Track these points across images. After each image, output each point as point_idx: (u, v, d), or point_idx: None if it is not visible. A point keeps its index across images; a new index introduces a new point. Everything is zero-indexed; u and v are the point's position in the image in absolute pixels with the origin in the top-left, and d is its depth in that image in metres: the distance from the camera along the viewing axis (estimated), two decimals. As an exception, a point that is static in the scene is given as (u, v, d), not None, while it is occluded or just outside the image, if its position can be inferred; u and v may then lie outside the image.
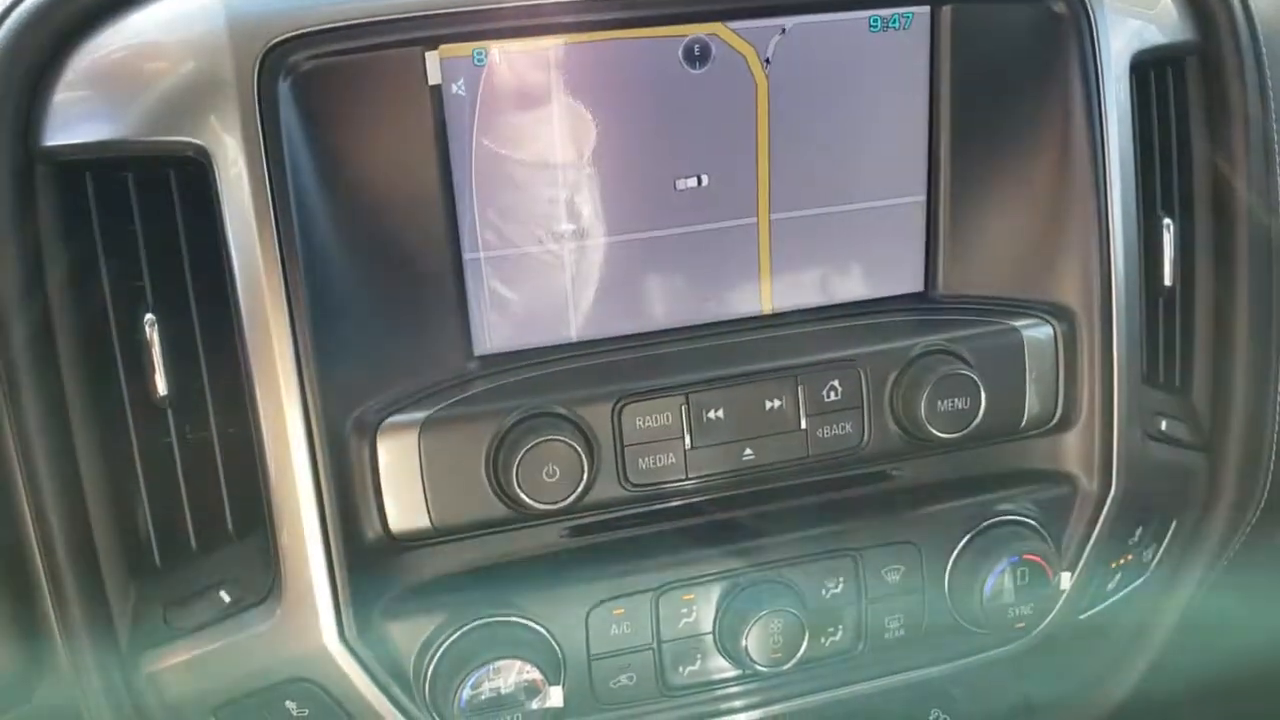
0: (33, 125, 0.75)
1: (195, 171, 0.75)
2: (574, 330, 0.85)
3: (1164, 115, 0.96)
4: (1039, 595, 0.89)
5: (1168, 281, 0.95)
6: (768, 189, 0.86)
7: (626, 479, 0.82)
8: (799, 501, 0.88)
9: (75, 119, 0.76)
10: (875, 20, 0.84)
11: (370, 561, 0.79)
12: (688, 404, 0.83)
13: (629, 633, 0.84)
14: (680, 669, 0.86)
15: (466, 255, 0.81)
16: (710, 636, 0.86)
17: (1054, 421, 0.90)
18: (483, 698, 0.78)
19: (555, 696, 0.79)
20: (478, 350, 0.83)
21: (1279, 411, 0.98)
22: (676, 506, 0.86)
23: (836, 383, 0.85)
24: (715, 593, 0.85)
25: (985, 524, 0.89)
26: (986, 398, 0.85)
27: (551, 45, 0.79)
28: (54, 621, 0.80)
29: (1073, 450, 0.92)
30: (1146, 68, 0.93)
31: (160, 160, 0.76)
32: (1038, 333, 0.89)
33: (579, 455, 0.78)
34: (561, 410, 0.81)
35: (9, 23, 0.75)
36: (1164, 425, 0.96)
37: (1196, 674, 1.06)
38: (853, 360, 0.85)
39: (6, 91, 0.74)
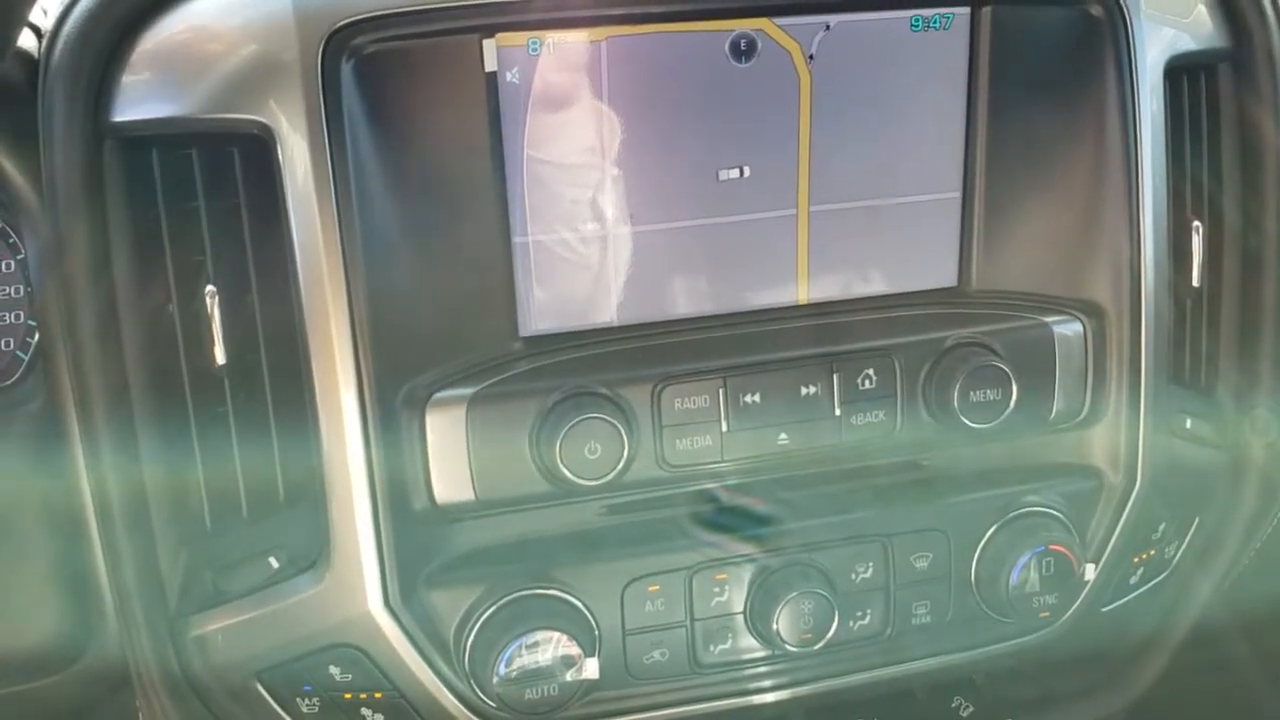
0: (103, 102, 0.78)
1: (258, 149, 0.77)
2: (615, 314, 0.87)
3: (1196, 120, 0.97)
4: (1063, 586, 0.90)
5: (1196, 283, 0.97)
6: (808, 182, 0.88)
7: (664, 459, 0.85)
8: (831, 487, 0.90)
9: (144, 97, 0.78)
10: (917, 20, 0.86)
11: (416, 531, 0.81)
12: (725, 388, 0.85)
13: (663, 609, 0.86)
14: (711, 647, 0.88)
15: (515, 239, 0.84)
16: (741, 616, 0.88)
17: (1082, 416, 0.92)
18: (520, 668, 0.80)
19: (591, 668, 0.82)
20: (523, 331, 0.85)
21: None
22: (712, 488, 0.88)
23: (871, 371, 0.87)
24: (748, 573, 0.87)
25: (1012, 514, 0.91)
26: (1017, 390, 0.87)
27: (602, 36, 0.81)
28: (106, 583, 0.83)
29: (1099, 445, 0.93)
30: (1180, 73, 0.95)
31: (224, 137, 0.79)
32: (1068, 329, 0.91)
33: (620, 433, 0.81)
34: (603, 390, 0.83)
35: (82, 4, 0.77)
36: (1189, 424, 0.98)
37: (1216, 670, 1.07)
38: (888, 350, 0.87)
39: (78, 70, 0.77)
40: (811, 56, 0.85)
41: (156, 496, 0.82)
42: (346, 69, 0.76)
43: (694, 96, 0.84)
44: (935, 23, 0.87)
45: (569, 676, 0.81)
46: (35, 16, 0.80)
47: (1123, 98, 0.88)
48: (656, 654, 0.87)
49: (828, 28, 0.85)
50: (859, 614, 0.89)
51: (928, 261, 0.92)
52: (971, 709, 1.00)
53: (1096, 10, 0.88)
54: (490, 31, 0.79)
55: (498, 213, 0.82)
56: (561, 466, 0.80)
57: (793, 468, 0.88)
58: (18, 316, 0.85)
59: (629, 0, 0.80)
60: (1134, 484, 0.93)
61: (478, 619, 0.82)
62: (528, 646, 0.80)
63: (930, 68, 0.88)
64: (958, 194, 0.91)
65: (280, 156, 0.76)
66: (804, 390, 0.86)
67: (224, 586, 0.83)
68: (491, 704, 0.82)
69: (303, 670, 0.83)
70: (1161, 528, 0.98)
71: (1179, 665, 1.06)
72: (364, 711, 0.84)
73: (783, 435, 0.86)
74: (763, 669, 0.90)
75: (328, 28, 0.75)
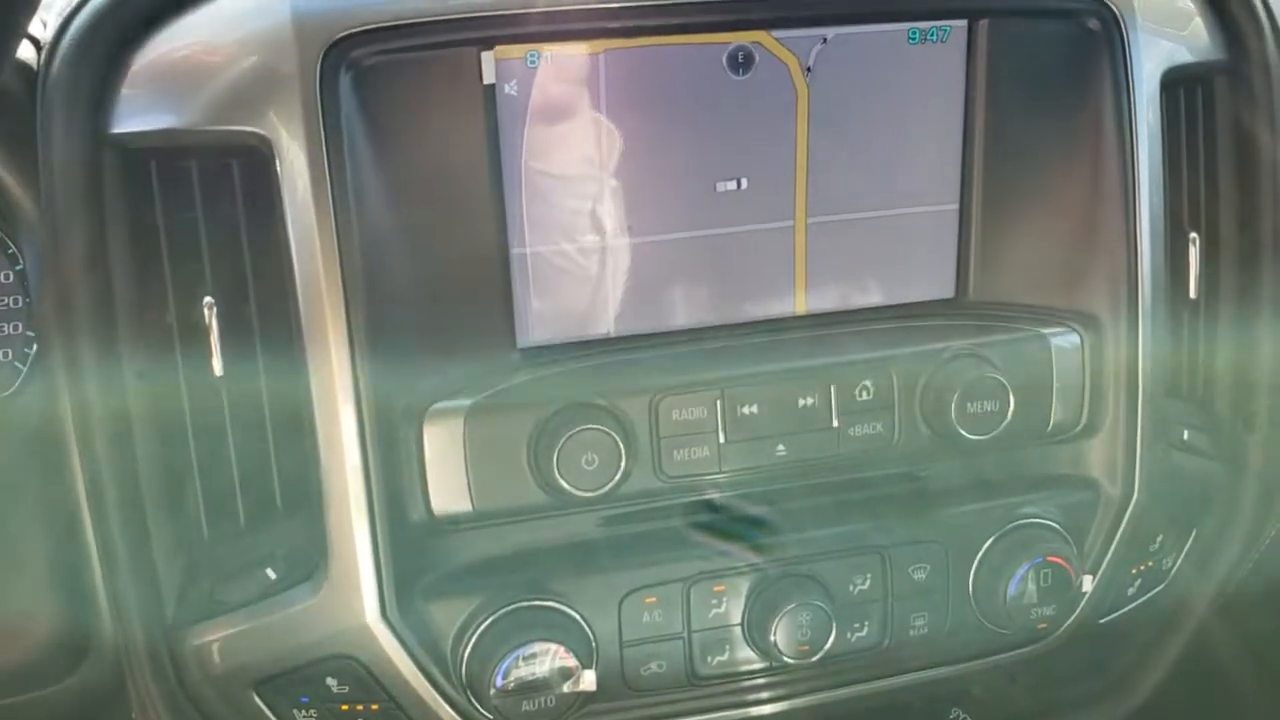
0: (101, 114, 0.78)
1: (257, 160, 0.77)
2: (613, 325, 0.88)
3: (1192, 132, 0.98)
4: (1061, 597, 0.90)
5: (1193, 294, 0.97)
6: (805, 193, 0.88)
7: (662, 471, 0.85)
8: (829, 498, 0.90)
9: (143, 108, 0.79)
10: (914, 32, 0.87)
11: (413, 543, 0.81)
12: (723, 399, 0.85)
13: (660, 621, 0.86)
14: (709, 659, 0.87)
15: (513, 250, 0.84)
16: (739, 628, 0.87)
17: (1079, 428, 0.92)
18: (517, 679, 0.80)
19: (588, 680, 0.81)
20: (520, 342, 0.86)
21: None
22: (709, 499, 0.88)
23: (869, 383, 0.87)
24: (745, 585, 0.87)
25: (1010, 526, 0.91)
26: (1015, 402, 0.87)
27: (601, 49, 0.81)
28: (102, 594, 0.83)
29: (1097, 457, 0.93)
30: (1176, 85, 0.95)
31: (223, 149, 0.79)
32: (1065, 341, 0.91)
33: (617, 444, 0.81)
34: (601, 402, 0.83)
35: (81, 17, 0.78)
36: (1186, 435, 0.98)
37: (1214, 681, 1.07)
38: (885, 361, 0.87)
39: (77, 82, 0.77)
40: (809, 69, 0.85)
41: (154, 507, 0.82)
42: (345, 81, 0.76)
43: (692, 108, 0.84)
44: (933, 35, 0.87)
45: (566, 688, 0.81)
46: (34, 28, 0.80)
47: (1119, 109, 0.88)
48: (654, 665, 0.86)
49: (825, 40, 0.85)
50: (857, 625, 0.89)
51: (925, 273, 0.92)
52: (969, 720, 1.00)
53: (1093, 23, 0.88)
54: (489, 44, 0.79)
55: (496, 224, 0.82)
56: (559, 478, 0.80)
57: (790, 479, 0.88)
58: (16, 328, 0.85)
59: (627, 13, 0.81)
60: (1131, 495, 0.93)
61: (475, 630, 0.82)
62: (525, 658, 0.80)
63: (928, 80, 0.88)
64: (955, 205, 0.91)
65: (279, 168, 0.76)
66: (802, 402, 0.86)
67: (221, 597, 0.83)
68: (488, 716, 0.82)
69: (300, 681, 0.83)
70: (1159, 539, 0.98)
71: (1177, 676, 1.06)
72: (360, 723, 0.84)
73: (780, 446, 0.86)
74: (760, 681, 0.90)
75: (327, 40, 0.76)
